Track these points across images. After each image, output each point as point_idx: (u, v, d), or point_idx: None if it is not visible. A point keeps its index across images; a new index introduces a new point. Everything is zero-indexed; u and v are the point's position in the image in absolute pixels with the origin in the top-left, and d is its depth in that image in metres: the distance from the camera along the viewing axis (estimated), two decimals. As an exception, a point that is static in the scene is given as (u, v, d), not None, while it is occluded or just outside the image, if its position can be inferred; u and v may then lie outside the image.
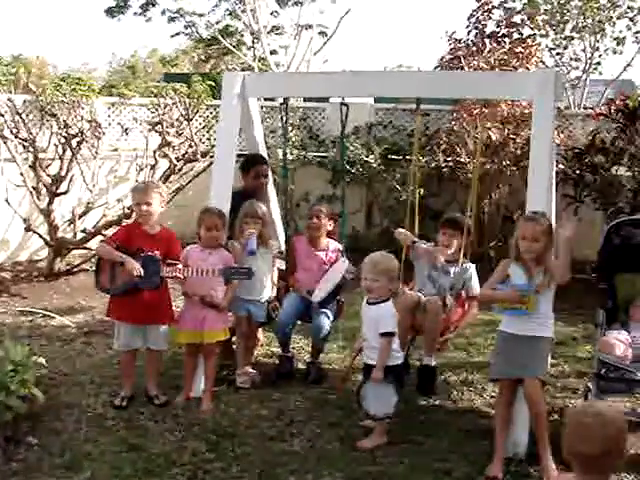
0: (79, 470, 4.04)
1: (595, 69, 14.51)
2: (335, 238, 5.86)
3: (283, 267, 5.96)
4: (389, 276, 4.48)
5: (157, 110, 9.23)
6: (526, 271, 4.15)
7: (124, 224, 6.08)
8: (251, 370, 5.41)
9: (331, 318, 5.55)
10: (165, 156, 9.09)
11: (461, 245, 5.35)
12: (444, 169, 9.10)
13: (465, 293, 5.37)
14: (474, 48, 9.01)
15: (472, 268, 5.40)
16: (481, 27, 9.16)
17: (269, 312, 5.63)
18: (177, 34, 20.60)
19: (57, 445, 4.32)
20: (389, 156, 9.64)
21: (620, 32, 14.15)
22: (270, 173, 6.37)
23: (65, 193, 8.41)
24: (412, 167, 6.08)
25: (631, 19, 13.95)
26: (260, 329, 5.87)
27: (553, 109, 4.89)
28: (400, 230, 5.60)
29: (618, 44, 14.32)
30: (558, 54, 14.21)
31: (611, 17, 13.76)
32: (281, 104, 6.25)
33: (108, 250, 4.89)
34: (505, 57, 8.64)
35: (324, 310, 5.52)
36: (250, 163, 6.18)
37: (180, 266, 4.89)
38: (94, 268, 5.07)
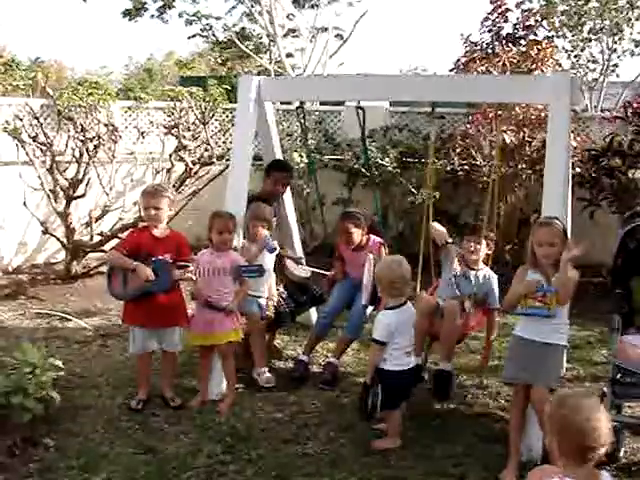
0: (95, 472, 4.07)
1: (612, 71, 14.38)
2: (378, 233, 5.93)
3: (302, 274, 6.00)
4: (380, 283, 4.53)
5: (173, 114, 9.29)
6: (544, 277, 4.14)
7: (133, 229, 6.11)
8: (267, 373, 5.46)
9: (368, 311, 5.63)
10: (181, 159, 9.14)
11: (485, 254, 5.38)
12: (459, 172, 9.07)
13: (486, 304, 5.36)
14: (490, 50, 8.98)
15: (495, 279, 5.38)
16: (496, 29, 9.12)
17: (279, 314, 5.68)
18: (194, 36, 20.69)
19: (73, 447, 4.36)
20: (404, 159, 9.63)
21: (639, 34, 14.03)
22: None
23: (82, 196, 8.47)
24: (427, 170, 6.06)
25: (650, 20, 13.82)
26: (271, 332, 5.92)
27: (569, 113, 4.87)
28: (437, 226, 5.55)
29: (636, 46, 14.20)
30: (575, 56, 14.11)
31: (630, 19, 13.63)
32: (297, 108, 6.28)
33: (119, 257, 4.93)
34: (520, 59, 8.60)
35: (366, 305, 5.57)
36: (272, 168, 6.20)
37: (192, 268, 4.94)
38: (107, 274, 5.11)
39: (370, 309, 5.63)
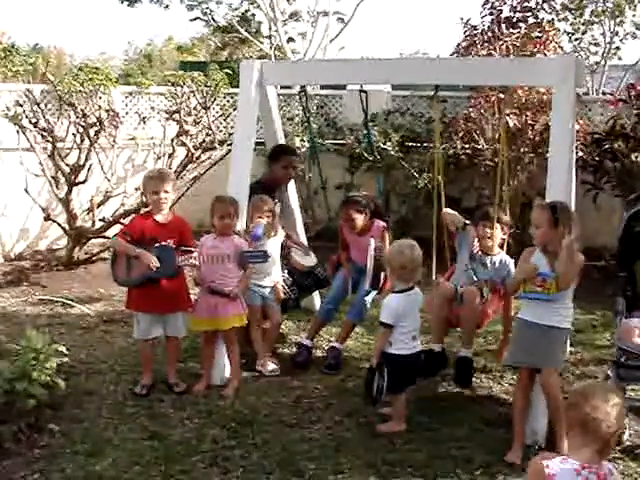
0: (100, 457, 4.09)
1: (614, 54, 14.31)
2: (381, 217, 5.89)
3: (309, 262, 5.99)
4: (390, 266, 4.52)
5: (174, 99, 9.25)
6: (549, 260, 4.13)
7: (136, 215, 6.08)
8: (273, 361, 5.45)
9: (372, 296, 5.65)
10: (183, 145, 9.11)
11: (500, 238, 5.35)
12: (462, 156, 9.03)
13: (503, 288, 5.32)
14: (490, 34, 8.91)
15: (511, 264, 5.31)
16: (496, 12, 9.03)
17: (283, 301, 5.70)
18: (196, 19, 20.55)
19: (79, 432, 4.38)
20: (407, 143, 9.60)
21: (641, 16, 13.95)
22: None
23: (83, 182, 8.44)
24: (435, 153, 6.00)
25: (652, 2, 13.72)
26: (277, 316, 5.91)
27: (574, 95, 4.84)
28: (450, 212, 5.49)
29: (638, 28, 14.12)
30: (577, 39, 14.04)
31: (632, 0, 13.55)
32: (299, 92, 6.25)
33: (122, 244, 4.93)
34: (521, 42, 8.53)
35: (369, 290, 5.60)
36: (281, 152, 6.18)
37: (195, 254, 4.93)
38: (110, 261, 5.10)
39: (374, 293, 5.63)
